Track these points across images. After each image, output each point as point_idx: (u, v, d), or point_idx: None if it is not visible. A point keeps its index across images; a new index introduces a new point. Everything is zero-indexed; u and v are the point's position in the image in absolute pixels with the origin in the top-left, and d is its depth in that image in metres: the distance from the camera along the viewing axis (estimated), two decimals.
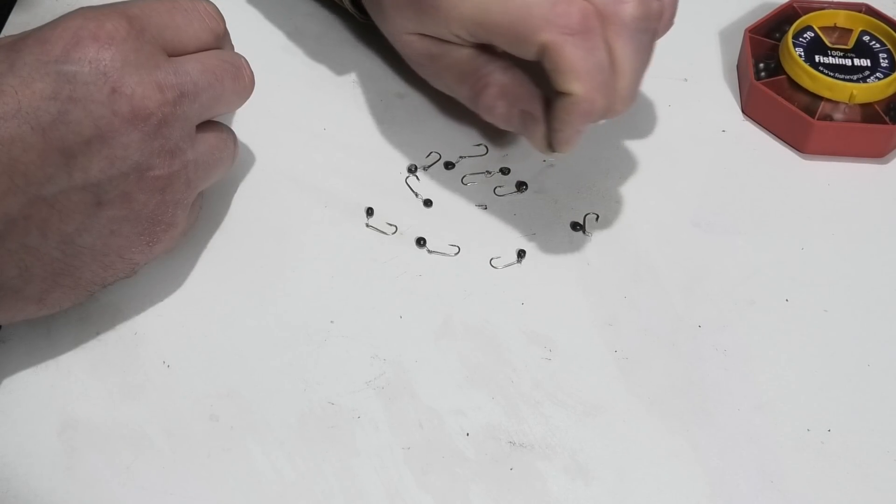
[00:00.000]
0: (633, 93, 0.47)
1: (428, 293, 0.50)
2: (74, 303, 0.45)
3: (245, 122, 0.54)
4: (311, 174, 0.54)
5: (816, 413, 0.46)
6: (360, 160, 0.55)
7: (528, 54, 0.46)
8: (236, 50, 0.49)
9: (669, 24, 0.49)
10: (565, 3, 0.44)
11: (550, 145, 0.49)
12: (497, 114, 0.50)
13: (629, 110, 0.47)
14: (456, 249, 0.51)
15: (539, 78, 0.48)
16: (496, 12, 0.45)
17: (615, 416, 0.46)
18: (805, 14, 0.58)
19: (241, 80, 0.47)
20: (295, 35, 0.61)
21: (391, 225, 0.52)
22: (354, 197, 0.53)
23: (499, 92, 0.50)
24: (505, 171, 0.54)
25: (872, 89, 0.54)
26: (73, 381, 0.46)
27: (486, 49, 0.50)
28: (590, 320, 0.49)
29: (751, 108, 0.57)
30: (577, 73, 0.44)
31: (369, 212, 0.52)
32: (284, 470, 0.44)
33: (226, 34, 0.47)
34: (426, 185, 0.54)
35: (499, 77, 0.50)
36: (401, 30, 0.51)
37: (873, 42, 0.57)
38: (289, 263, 0.51)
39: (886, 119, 0.54)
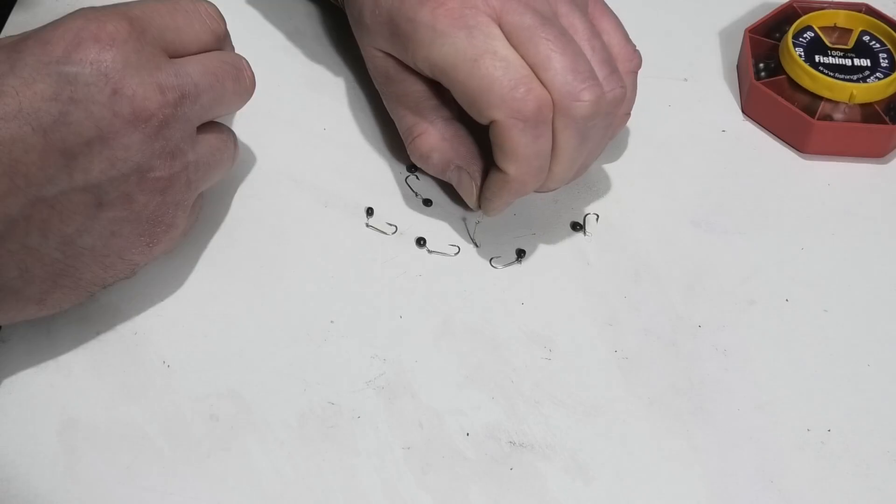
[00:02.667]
0: (567, 176, 0.49)
1: (428, 293, 0.50)
2: (74, 303, 0.45)
3: (245, 123, 0.54)
4: (311, 174, 0.54)
5: (816, 413, 0.46)
6: (360, 160, 0.55)
7: (479, 119, 0.47)
8: (236, 51, 0.49)
9: (626, 118, 0.52)
10: (524, 89, 0.45)
11: (480, 206, 0.50)
12: (431, 164, 0.51)
13: (560, 187, 0.49)
14: (456, 249, 0.51)
15: (482, 136, 0.49)
16: (461, 72, 0.46)
17: (615, 416, 0.46)
18: (805, 14, 0.58)
19: (241, 82, 0.47)
20: (295, 35, 0.61)
21: (391, 225, 0.52)
22: (354, 197, 0.53)
23: (437, 142, 0.51)
24: None
25: (872, 89, 0.54)
26: (73, 381, 0.46)
27: (441, 93, 0.50)
28: (590, 320, 0.49)
29: (751, 108, 0.57)
30: (517, 156, 0.46)
31: (369, 212, 0.52)
32: (284, 470, 0.44)
33: (226, 35, 0.47)
34: (426, 185, 0.54)
35: (440, 127, 0.51)
36: (371, 43, 0.51)
37: (873, 42, 0.57)
38: (289, 263, 0.51)
39: (886, 119, 0.54)
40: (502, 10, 0.46)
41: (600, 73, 0.46)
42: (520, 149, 0.46)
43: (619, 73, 0.47)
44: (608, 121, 0.48)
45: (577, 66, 0.45)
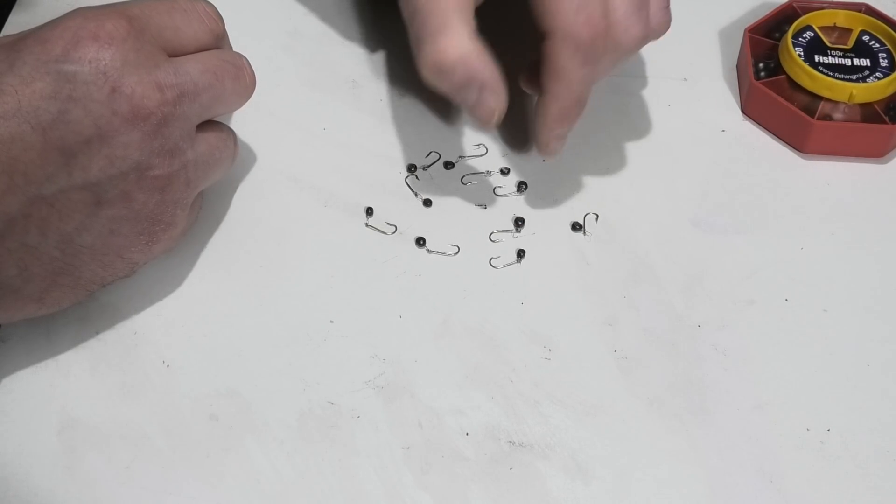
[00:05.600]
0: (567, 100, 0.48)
1: (427, 293, 0.50)
2: (74, 302, 0.45)
3: (245, 122, 0.54)
4: (311, 174, 0.54)
5: (816, 413, 0.46)
6: (360, 160, 0.55)
7: (537, 20, 0.46)
8: (235, 50, 0.49)
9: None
10: (585, 17, 0.45)
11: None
12: (451, 78, 0.46)
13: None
14: (456, 249, 0.51)
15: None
16: None
17: (615, 416, 0.46)
18: (805, 14, 0.58)
19: (241, 80, 0.47)
20: (295, 35, 0.61)
21: (391, 225, 0.52)
22: (354, 197, 0.53)
23: (467, 52, 0.45)
24: (505, 171, 0.54)
25: (872, 89, 0.54)
26: (72, 381, 0.46)
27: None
28: (590, 320, 0.49)
29: (751, 108, 0.57)
30: (560, 76, 0.46)
31: (369, 212, 0.52)
32: (284, 470, 0.44)
33: (224, 35, 0.47)
34: (426, 185, 0.54)
35: (470, 35, 0.46)
36: None
37: (873, 42, 0.57)
38: (289, 263, 0.51)
39: (886, 119, 0.54)
40: None
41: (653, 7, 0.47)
42: (566, 71, 0.46)
43: (667, 10, 0.48)
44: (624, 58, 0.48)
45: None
